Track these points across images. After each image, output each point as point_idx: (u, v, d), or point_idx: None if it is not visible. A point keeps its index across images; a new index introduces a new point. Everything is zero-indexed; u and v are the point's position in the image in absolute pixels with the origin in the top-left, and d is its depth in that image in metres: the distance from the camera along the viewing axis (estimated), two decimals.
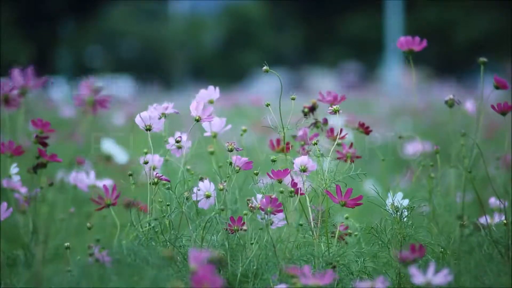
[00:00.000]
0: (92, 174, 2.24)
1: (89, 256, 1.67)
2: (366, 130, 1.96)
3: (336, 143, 1.82)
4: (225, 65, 22.86)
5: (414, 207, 1.73)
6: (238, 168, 1.75)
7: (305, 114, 1.93)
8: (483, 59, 1.81)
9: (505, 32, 20.12)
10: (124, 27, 23.06)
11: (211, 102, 1.90)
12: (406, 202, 1.73)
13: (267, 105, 1.75)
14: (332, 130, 1.92)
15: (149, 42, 22.96)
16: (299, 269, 1.56)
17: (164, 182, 1.73)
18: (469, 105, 2.44)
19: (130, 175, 1.75)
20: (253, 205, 1.70)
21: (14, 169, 1.85)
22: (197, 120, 1.80)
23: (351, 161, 1.88)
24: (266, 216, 1.68)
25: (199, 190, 1.74)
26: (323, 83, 15.02)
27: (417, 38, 1.89)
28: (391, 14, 16.90)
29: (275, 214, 1.70)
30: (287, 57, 23.45)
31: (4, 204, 1.76)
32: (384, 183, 2.84)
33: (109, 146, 2.58)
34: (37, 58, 20.43)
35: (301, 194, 1.72)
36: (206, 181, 1.75)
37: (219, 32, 24.02)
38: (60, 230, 2.04)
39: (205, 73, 21.68)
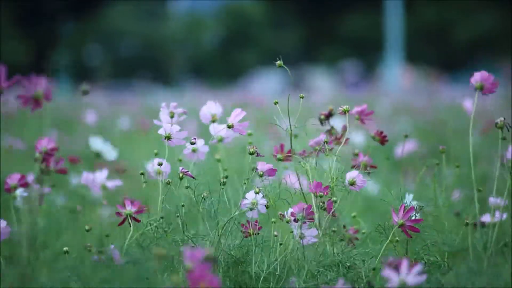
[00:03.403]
0: (105, 172, 2.25)
1: (98, 254, 1.68)
2: (383, 139, 1.97)
3: (341, 145, 1.84)
4: (224, 64, 22.86)
5: (421, 206, 1.74)
6: (261, 173, 1.75)
7: (322, 121, 1.94)
8: None
9: (505, 32, 20.13)
10: (123, 26, 23.07)
11: (214, 120, 1.88)
12: (413, 203, 1.74)
13: (275, 103, 1.75)
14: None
15: (148, 41, 22.97)
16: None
17: (168, 183, 1.73)
18: (468, 104, 2.46)
19: (142, 174, 1.75)
20: (284, 217, 1.71)
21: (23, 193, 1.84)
22: (230, 127, 1.79)
23: (365, 169, 1.89)
24: (298, 229, 1.69)
25: (246, 199, 1.74)
26: (323, 82, 15.02)
27: (492, 77, 1.86)
28: (391, 14, 16.90)
29: (306, 223, 1.70)
30: (287, 56, 23.41)
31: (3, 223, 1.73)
32: (385, 182, 2.84)
33: (97, 144, 2.63)
34: (37, 58, 20.43)
35: (333, 215, 1.73)
36: (252, 192, 1.75)
37: (218, 31, 24.02)
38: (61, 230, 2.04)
39: (204, 72, 21.69)
